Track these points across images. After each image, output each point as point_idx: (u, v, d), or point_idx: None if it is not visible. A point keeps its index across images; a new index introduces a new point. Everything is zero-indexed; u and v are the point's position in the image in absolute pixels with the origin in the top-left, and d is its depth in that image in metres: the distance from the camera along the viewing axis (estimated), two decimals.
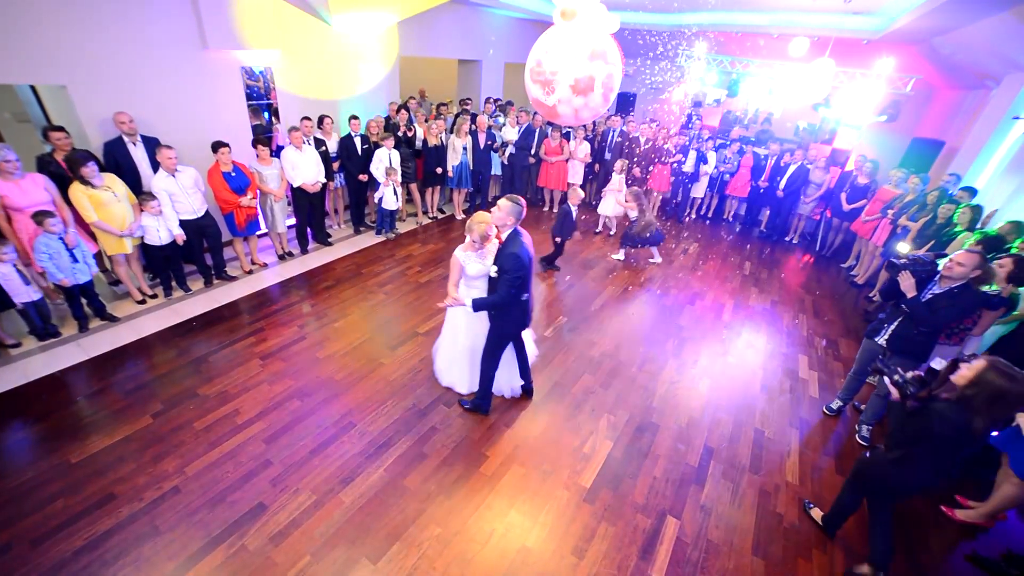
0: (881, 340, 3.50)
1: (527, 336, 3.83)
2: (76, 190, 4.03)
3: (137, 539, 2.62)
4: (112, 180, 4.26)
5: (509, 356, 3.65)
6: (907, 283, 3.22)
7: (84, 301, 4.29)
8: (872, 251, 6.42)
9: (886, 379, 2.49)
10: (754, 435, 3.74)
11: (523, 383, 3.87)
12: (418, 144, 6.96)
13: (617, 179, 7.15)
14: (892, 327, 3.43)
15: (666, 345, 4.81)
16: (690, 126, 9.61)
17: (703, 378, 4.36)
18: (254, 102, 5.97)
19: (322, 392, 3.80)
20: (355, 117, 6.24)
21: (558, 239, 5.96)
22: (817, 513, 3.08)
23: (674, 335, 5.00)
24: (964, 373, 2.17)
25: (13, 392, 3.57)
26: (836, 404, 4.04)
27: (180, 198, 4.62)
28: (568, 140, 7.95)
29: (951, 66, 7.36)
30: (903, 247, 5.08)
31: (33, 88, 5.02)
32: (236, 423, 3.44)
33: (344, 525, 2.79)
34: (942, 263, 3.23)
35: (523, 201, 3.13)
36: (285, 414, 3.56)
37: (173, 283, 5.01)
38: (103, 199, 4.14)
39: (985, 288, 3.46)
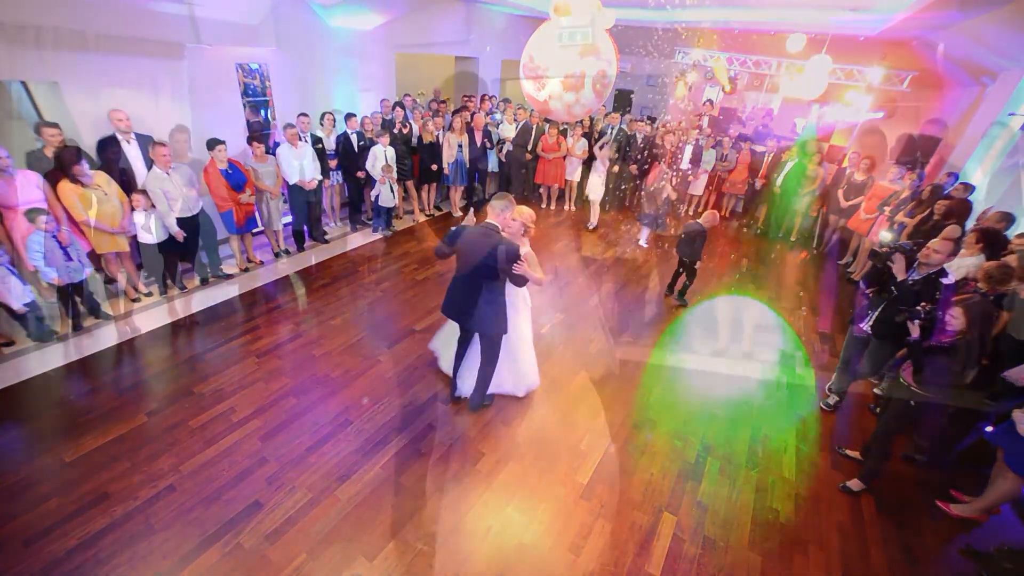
0: (865, 327, 3.64)
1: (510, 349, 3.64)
2: (66, 188, 3.98)
3: (131, 538, 2.61)
4: (102, 178, 4.22)
5: (508, 354, 3.60)
6: (899, 265, 3.39)
7: (78, 299, 4.25)
8: (868, 248, 6.42)
9: (916, 321, 2.92)
10: (751, 431, 3.75)
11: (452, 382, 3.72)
12: (414, 141, 6.94)
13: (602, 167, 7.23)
14: (875, 313, 3.57)
15: (663, 341, 4.81)
16: (703, 126, 9.51)
17: (700, 374, 4.36)
18: (251, 99, 5.93)
19: (318, 390, 3.79)
20: (352, 115, 6.21)
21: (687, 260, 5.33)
22: (856, 484, 3.28)
23: (671, 331, 5.00)
24: (956, 321, 2.82)
25: (6, 391, 3.54)
26: (833, 399, 4.05)
27: (174, 195, 4.58)
28: (565, 136, 7.92)
29: (947, 62, 7.36)
30: (885, 235, 5.18)
31: (25, 85, 4.96)
32: (232, 421, 3.43)
33: (340, 523, 2.78)
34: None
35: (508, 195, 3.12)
36: (281, 412, 3.54)
37: (168, 281, 4.98)
38: (94, 197, 4.10)
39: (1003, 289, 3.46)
